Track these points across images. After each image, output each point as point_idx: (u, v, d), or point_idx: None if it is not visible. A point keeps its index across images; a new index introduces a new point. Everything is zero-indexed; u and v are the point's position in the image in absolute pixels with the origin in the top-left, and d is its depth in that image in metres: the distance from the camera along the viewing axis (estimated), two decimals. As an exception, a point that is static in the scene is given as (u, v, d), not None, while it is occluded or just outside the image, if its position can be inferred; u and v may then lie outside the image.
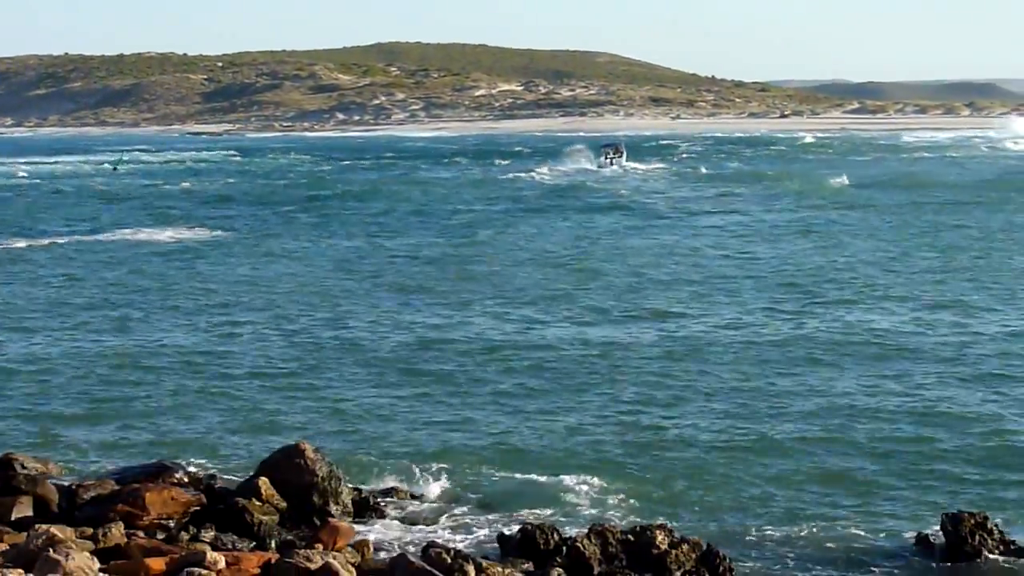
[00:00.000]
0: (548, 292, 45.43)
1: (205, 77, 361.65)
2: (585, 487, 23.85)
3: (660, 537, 20.07)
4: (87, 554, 18.28)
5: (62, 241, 64.04)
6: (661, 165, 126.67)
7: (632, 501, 23.18)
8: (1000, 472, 24.59)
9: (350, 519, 21.87)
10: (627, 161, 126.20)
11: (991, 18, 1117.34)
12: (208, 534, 20.70)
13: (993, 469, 24.77)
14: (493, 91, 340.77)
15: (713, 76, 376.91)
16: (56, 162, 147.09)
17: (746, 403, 29.69)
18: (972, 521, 20.67)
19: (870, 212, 74.75)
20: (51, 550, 18.07)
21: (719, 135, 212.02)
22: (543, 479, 24.34)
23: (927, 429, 27.33)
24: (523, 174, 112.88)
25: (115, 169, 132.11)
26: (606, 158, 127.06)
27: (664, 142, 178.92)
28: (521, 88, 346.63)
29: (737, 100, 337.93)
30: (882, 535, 21.39)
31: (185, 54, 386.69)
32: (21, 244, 62.55)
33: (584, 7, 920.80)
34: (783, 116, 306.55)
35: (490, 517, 22.42)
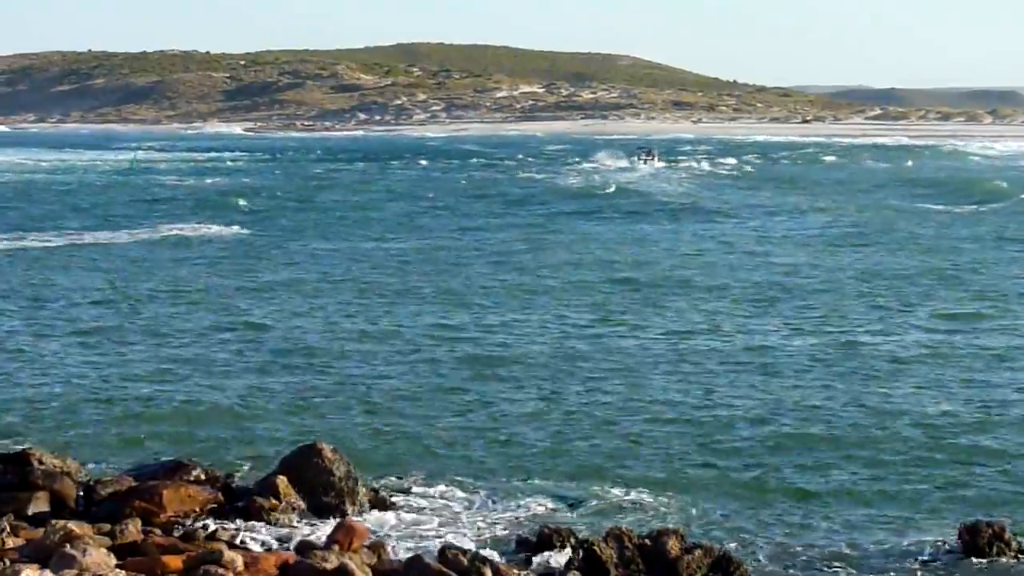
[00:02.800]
0: (588, 298, 45.43)
1: (227, 75, 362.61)
2: (603, 492, 23.80)
3: (673, 542, 20.04)
4: (104, 550, 18.29)
5: (78, 240, 64.22)
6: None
7: (648, 507, 23.12)
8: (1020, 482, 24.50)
9: (367, 519, 21.86)
10: (659, 163, 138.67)
11: (1013, 25, 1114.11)
12: (227, 532, 20.69)
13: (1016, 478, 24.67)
14: (514, 93, 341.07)
15: (735, 80, 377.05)
16: (86, 159, 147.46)
17: (771, 411, 29.60)
18: (990, 531, 20.60)
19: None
20: (68, 546, 18.10)
21: (776, 141, 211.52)
22: (561, 484, 24.31)
23: (947, 438, 27.23)
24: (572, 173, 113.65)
25: (132, 167, 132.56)
26: (639, 160, 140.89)
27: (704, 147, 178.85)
28: (543, 90, 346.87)
29: (759, 105, 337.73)
30: (899, 544, 21.30)
31: (208, 52, 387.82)
32: (37, 242, 62.71)
33: (606, 10, 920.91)
34: (804, 122, 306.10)
35: (507, 519, 22.38)
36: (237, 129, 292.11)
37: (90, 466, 24.81)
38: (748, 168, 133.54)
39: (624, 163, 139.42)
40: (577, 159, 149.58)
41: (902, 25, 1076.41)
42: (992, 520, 21.08)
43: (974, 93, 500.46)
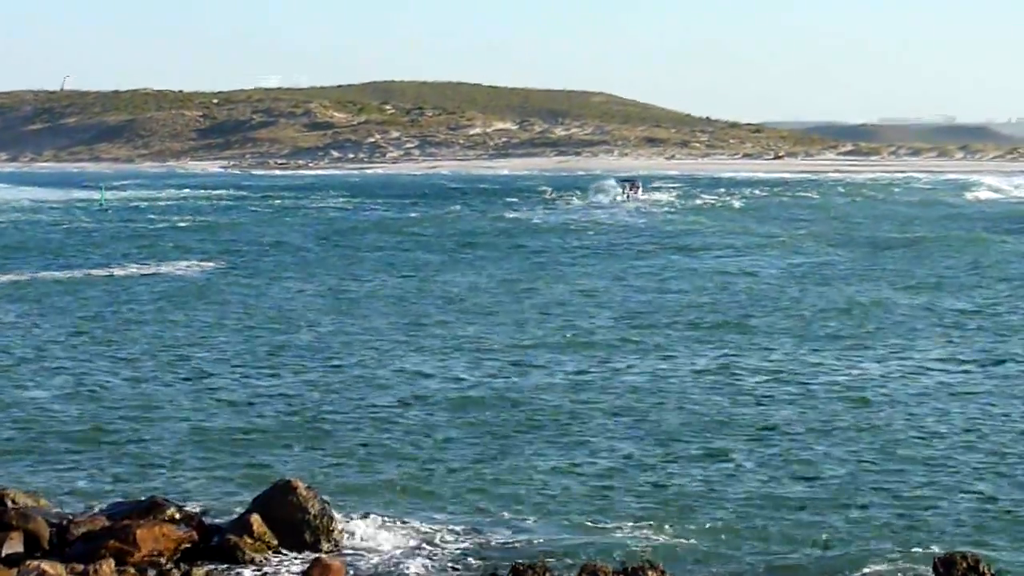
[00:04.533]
0: (566, 335, 45.48)
1: (200, 114, 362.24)
2: (578, 527, 23.80)
3: (652, 577, 20.01)
4: (78, 590, 18.22)
5: (44, 276, 64.07)
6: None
7: (624, 542, 23.10)
8: (996, 512, 24.56)
9: (342, 557, 21.81)
10: (643, 194, 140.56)
11: (984, 61, 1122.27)
12: (201, 571, 20.62)
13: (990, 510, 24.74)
14: (488, 130, 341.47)
15: (708, 117, 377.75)
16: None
17: (743, 442, 29.65)
18: (965, 564, 20.62)
19: None
20: (42, 586, 18.03)
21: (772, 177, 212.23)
22: (534, 519, 24.29)
23: (918, 469, 27.32)
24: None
25: (102, 205, 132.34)
26: (623, 192, 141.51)
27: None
28: (516, 127, 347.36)
29: (732, 141, 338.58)
30: (875, 577, 21.33)
31: (181, 91, 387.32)
32: (13, 276, 62.56)
33: (579, 46, 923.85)
34: (777, 157, 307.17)
35: (481, 555, 22.35)
36: (212, 167, 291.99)
37: (64, 506, 24.72)
38: (731, 202, 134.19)
39: (611, 196, 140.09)
40: (566, 194, 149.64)
41: (874, 61, 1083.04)
42: (967, 552, 21.10)
43: (946, 129, 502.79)
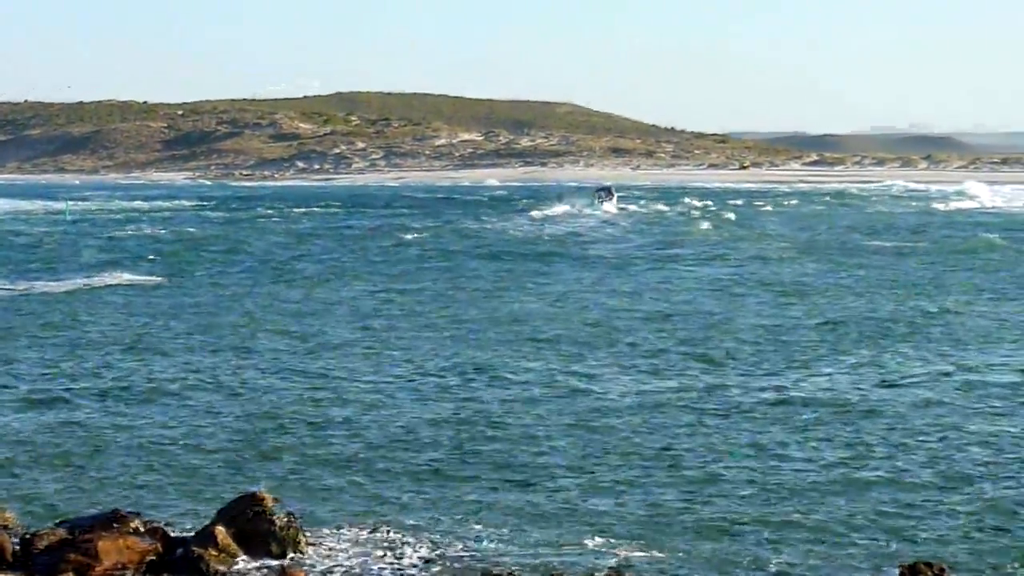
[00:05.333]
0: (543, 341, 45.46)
1: (165, 125, 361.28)
2: (548, 538, 23.75)
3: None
4: (40, 603, 18.10)
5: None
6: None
7: (592, 557, 23.06)
8: (962, 522, 24.63)
9: (308, 568, 21.72)
10: (618, 203, 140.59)
11: (947, 72, 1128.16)
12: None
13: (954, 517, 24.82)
14: (453, 140, 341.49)
15: (673, 127, 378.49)
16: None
17: (720, 458, 29.67)
18: (930, 571, 20.65)
19: None
20: (4, 599, 17.90)
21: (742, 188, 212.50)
22: (505, 529, 24.24)
23: (885, 479, 27.39)
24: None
25: (66, 216, 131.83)
26: (599, 200, 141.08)
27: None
28: (481, 138, 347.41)
29: (697, 151, 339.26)
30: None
31: (145, 102, 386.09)
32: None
33: (544, 57, 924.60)
34: (742, 168, 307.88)
35: (445, 565, 22.29)
36: (178, 178, 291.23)
37: (27, 519, 24.55)
38: (694, 213, 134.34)
39: (586, 206, 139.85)
40: (536, 204, 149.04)
41: (838, 72, 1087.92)
42: (932, 560, 21.15)
43: (910, 139, 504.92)
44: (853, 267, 72.66)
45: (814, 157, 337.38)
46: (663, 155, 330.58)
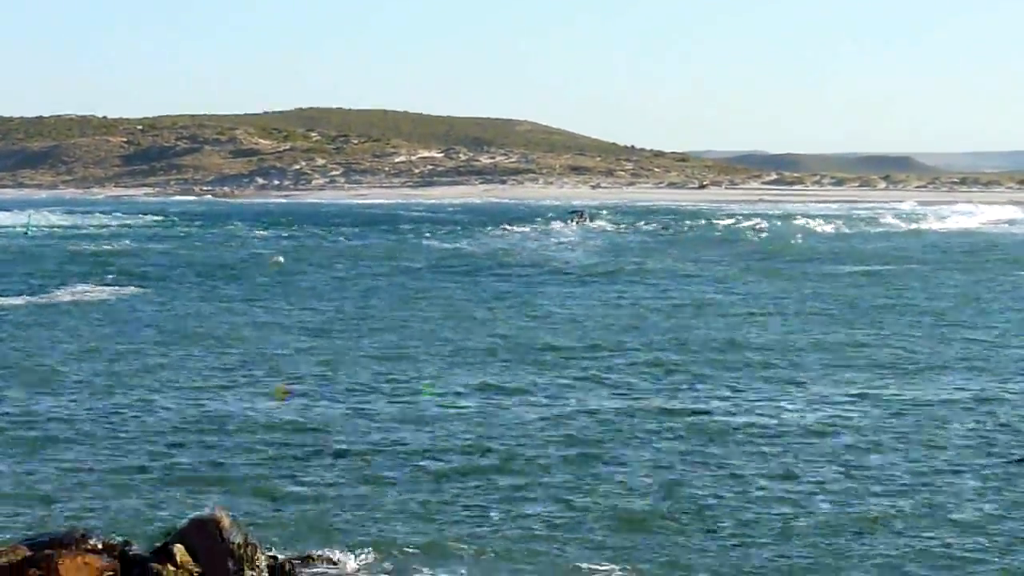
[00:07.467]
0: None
1: (125, 140, 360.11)
2: (520, 558, 23.79)
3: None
4: (-2, 622, 18.06)
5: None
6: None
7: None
8: (922, 546, 24.81)
9: (266, 587, 21.73)
10: (591, 222, 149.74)
11: (905, 93, 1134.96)
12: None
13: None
14: (413, 157, 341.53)
15: (632, 145, 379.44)
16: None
17: (691, 481, 29.79)
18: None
19: None
20: (-39, 618, 17.85)
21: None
22: (471, 554, 24.22)
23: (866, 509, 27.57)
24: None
25: (27, 233, 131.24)
26: (573, 221, 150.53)
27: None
28: (441, 155, 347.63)
29: (656, 169, 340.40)
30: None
31: (105, 117, 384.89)
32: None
33: (503, 74, 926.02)
34: (702, 186, 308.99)
35: (407, 586, 22.35)
36: (137, 194, 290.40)
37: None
38: (655, 232, 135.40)
39: (559, 225, 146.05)
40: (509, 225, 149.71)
41: (797, 91, 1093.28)
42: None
43: (869, 159, 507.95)
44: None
45: (773, 176, 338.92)
46: (623, 173, 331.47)
